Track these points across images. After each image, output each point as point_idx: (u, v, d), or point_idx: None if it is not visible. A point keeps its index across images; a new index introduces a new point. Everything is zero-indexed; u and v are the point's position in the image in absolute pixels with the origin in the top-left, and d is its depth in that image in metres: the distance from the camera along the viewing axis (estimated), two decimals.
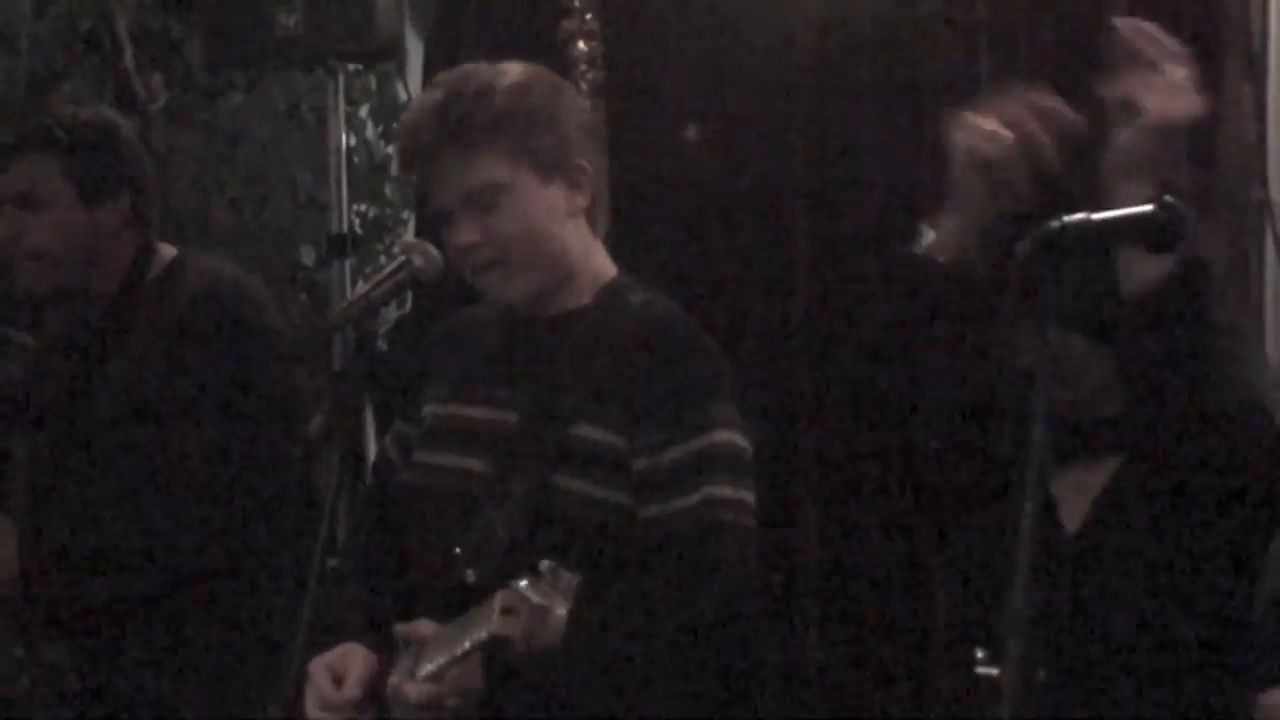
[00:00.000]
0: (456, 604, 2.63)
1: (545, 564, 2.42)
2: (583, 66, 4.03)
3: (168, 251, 3.45)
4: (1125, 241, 2.15)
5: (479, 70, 2.80)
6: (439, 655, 2.53)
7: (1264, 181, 3.98)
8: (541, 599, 2.38)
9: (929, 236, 2.42)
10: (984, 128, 2.33)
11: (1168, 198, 2.08)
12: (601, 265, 2.86)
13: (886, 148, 4.25)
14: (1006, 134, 2.31)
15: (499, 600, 2.40)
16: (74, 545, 3.26)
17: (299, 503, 3.32)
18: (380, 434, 4.56)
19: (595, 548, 2.66)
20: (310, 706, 2.73)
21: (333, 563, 4.19)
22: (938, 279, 2.41)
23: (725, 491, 2.66)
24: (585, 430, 2.70)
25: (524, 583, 2.40)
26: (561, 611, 2.39)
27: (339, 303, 4.73)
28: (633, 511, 2.68)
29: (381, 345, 5.07)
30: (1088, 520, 2.42)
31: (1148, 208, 2.07)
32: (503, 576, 2.59)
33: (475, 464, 2.79)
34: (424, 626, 2.65)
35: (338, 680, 2.73)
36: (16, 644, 3.33)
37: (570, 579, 2.40)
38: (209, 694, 3.30)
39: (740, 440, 2.71)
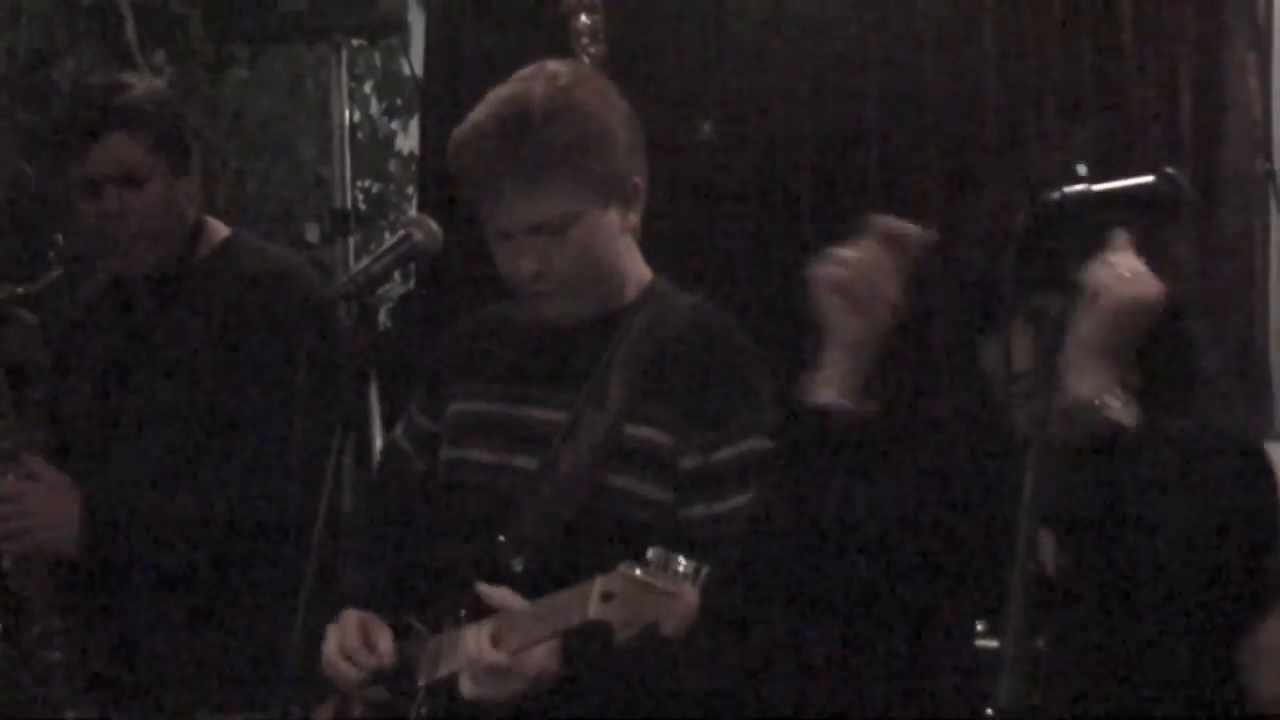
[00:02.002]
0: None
1: (654, 551, 2.33)
2: (584, 40, 4.01)
3: (219, 229, 3.46)
4: (1125, 213, 2.13)
5: (533, 88, 2.71)
6: (528, 631, 2.48)
7: (1269, 153, 3.97)
8: (665, 584, 2.28)
9: (814, 380, 2.39)
10: (833, 257, 2.33)
11: (1168, 169, 2.07)
12: (641, 266, 2.86)
13: (891, 141, 4.23)
14: (853, 255, 2.31)
15: (598, 585, 2.33)
16: (136, 512, 3.26)
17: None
18: (384, 409, 4.58)
19: (639, 545, 2.65)
20: (333, 651, 2.73)
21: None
22: (823, 426, 2.38)
23: None
24: (635, 430, 2.70)
25: (635, 569, 2.31)
26: (693, 599, 2.30)
27: (340, 277, 4.72)
28: (674, 509, 2.69)
29: (384, 321, 5.10)
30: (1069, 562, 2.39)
31: (1148, 179, 2.06)
32: (551, 565, 2.64)
33: (522, 461, 2.78)
34: (510, 597, 2.60)
35: (367, 640, 2.73)
36: (55, 613, 3.33)
37: (688, 565, 2.30)
38: (240, 681, 3.30)
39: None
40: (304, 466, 3.19)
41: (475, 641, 2.55)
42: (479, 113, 2.75)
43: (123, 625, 3.34)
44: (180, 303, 3.36)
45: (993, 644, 2.04)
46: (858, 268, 2.31)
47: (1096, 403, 2.20)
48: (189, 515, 3.24)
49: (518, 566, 2.69)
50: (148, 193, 3.29)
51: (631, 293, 2.81)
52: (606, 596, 2.32)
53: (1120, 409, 2.21)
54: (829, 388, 2.38)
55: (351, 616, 2.76)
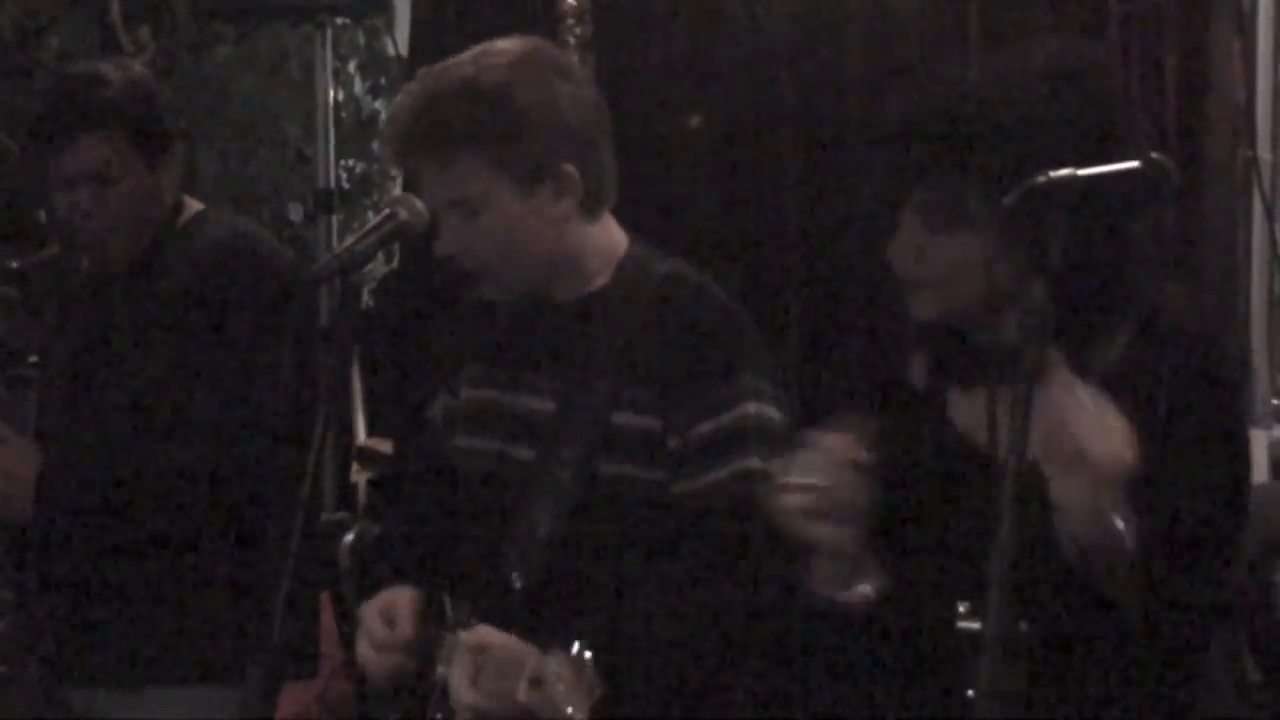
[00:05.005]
0: (500, 605, 2.68)
1: (578, 647, 2.45)
2: (570, 20, 4.02)
3: (192, 205, 3.49)
4: (1110, 197, 2.14)
5: (460, 66, 2.69)
6: (495, 680, 2.55)
7: (1252, 140, 3.97)
8: (570, 701, 2.42)
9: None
10: (791, 485, 2.31)
11: (1153, 154, 2.08)
12: (612, 241, 2.81)
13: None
14: (810, 480, 2.29)
15: (529, 669, 2.45)
16: (91, 481, 3.28)
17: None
18: (366, 387, 4.57)
19: (639, 529, 2.67)
20: (363, 647, 2.76)
21: (330, 516, 4.22)
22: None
23: (755, 464, 2.64)
24: (623, 417, 2.68)
25: (557, 662, 2.44)
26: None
27: (323, 257, 4.73)
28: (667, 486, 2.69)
29: (367, 301, 5.11)
30: None
31: (1133, 164, 2.07)
32: (550, 577, 2.67)
33: (518, 451, 2.78)
34: (486, 637, 2.63)
35: (389, 622, 2.75)
36: (6, 586, 3.36)
37: (594, 683, 2.43)
38: (192, 657, 3.33)
39: (771, 411, 2.69)
40: (266, 436, 3.22)
41: (459, 677, 2.59)
42: (410, 85, 2.75)
43: (76, 595, 3.35)
44: (151, 277, 3.38)
45: (975, 626, 2.05)
46: (820, 491, 2.29)
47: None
48: (147, 489, 3.25)
49: (518, 583, 2.70)
50: (122, 190, 3.31)
51: (604, 273, 2.78)
52: (535, 683, 2.44)
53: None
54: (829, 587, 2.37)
55: (369, 610, 2.78)
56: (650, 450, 2.67)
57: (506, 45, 2.73)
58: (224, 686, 3.30)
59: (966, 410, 2.41)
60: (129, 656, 3.32)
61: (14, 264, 3.47)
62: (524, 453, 2.76)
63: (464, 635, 2.65)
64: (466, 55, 2.73)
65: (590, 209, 2.75)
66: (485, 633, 2.62)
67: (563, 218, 2.72)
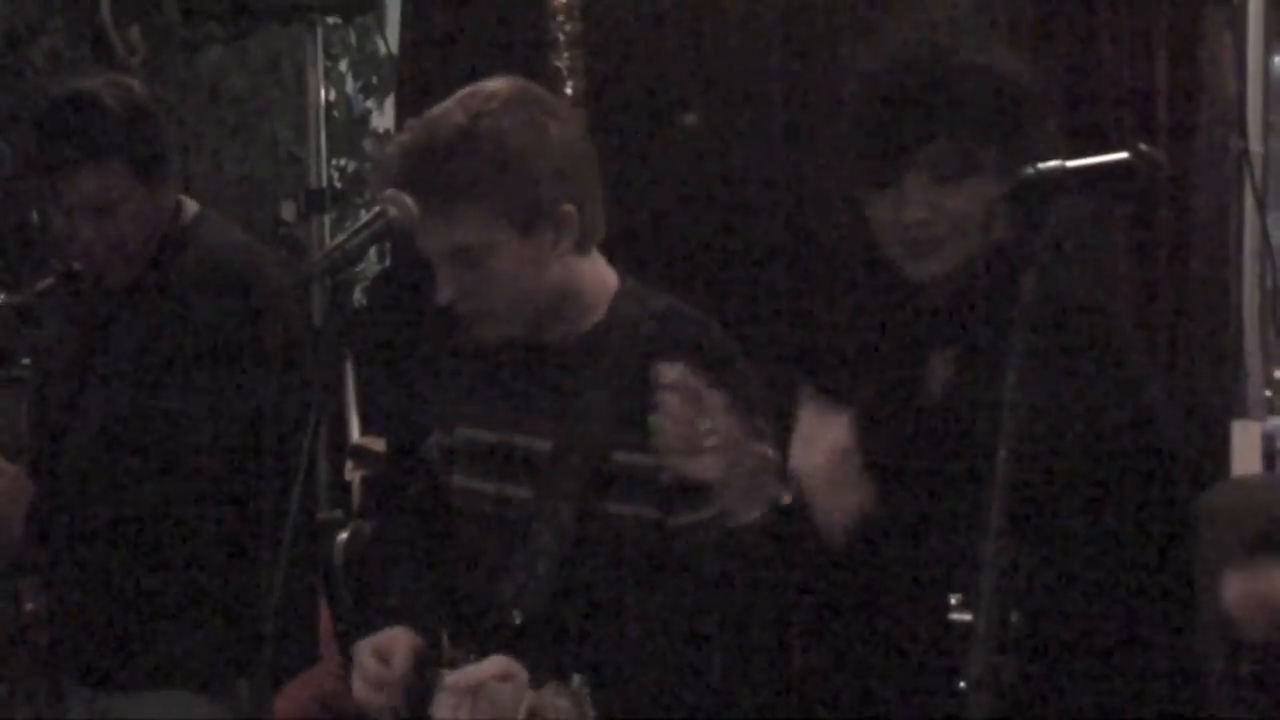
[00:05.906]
0: (500, 641, 2.67)
1: (578, 679, 2.50)
2: (560, 18, 4.01)
3: (190, 206, 3.44)
4: (1100, 188, 2.14)
5: (451, 114, 2.67)
6: (484, 712, 2.59)
7: (1243, 132, 3.98)
8: None
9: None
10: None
11: (1143, 146, 2.08)
12: (603, 277, 2.81)
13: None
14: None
15: (527, 701, 2.49)
16: (79, 504, 3.27)
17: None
18: (358, 386, 4.56)
19: (639, 565, 2.67)
20: (357, 685, 2.75)
21: (324, 514, 4.20)
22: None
23: None
24: (621, 456, 2.68)
25: (554, 693, 2.49)
26: None
27: (315, 255, 4.74)
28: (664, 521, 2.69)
29: (359, 299, 5.11)
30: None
31: (1123, 155, 2.07)
32: (549, 613, 2.67)
33: (516, 491, 2.78)
34: (475, 673, 2.64)
35: (384, 660, 2.74)
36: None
37: (590, 715, 2.48)
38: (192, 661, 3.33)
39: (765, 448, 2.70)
40: (258, 451, 3.21)
41: (450, 708, 2.61)
42: (404, 131, 2.73)
43: (71, 598, 3.35)
44: (148, 292, 3.34)
45: (966, 617, 2.05)
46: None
47: None
48: (135, 510, 3.24)
49: (517, 619, 2.70)
50: (123, 216, 3.26)
51: (599, 309, 2.78)
52: (533, 715, 2.49)
53: None
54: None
55: (364, 647, 2.77)
56: (649, 487, 2.67)
57: (495, 88, 2.71)
58: (213, 696, 3.30)
59: (942, 374, 2.45)
60: (125, 660, 3.31)
61: (3, 298, 3.43)
62: (522, 492, 2.76)
63: (449, 676, 2.66)
64: (454, 101, 2.71)
65: (583, 246, 2.76)
66: (471, 672, 2.63)
67: (564, 253, 2.72)
